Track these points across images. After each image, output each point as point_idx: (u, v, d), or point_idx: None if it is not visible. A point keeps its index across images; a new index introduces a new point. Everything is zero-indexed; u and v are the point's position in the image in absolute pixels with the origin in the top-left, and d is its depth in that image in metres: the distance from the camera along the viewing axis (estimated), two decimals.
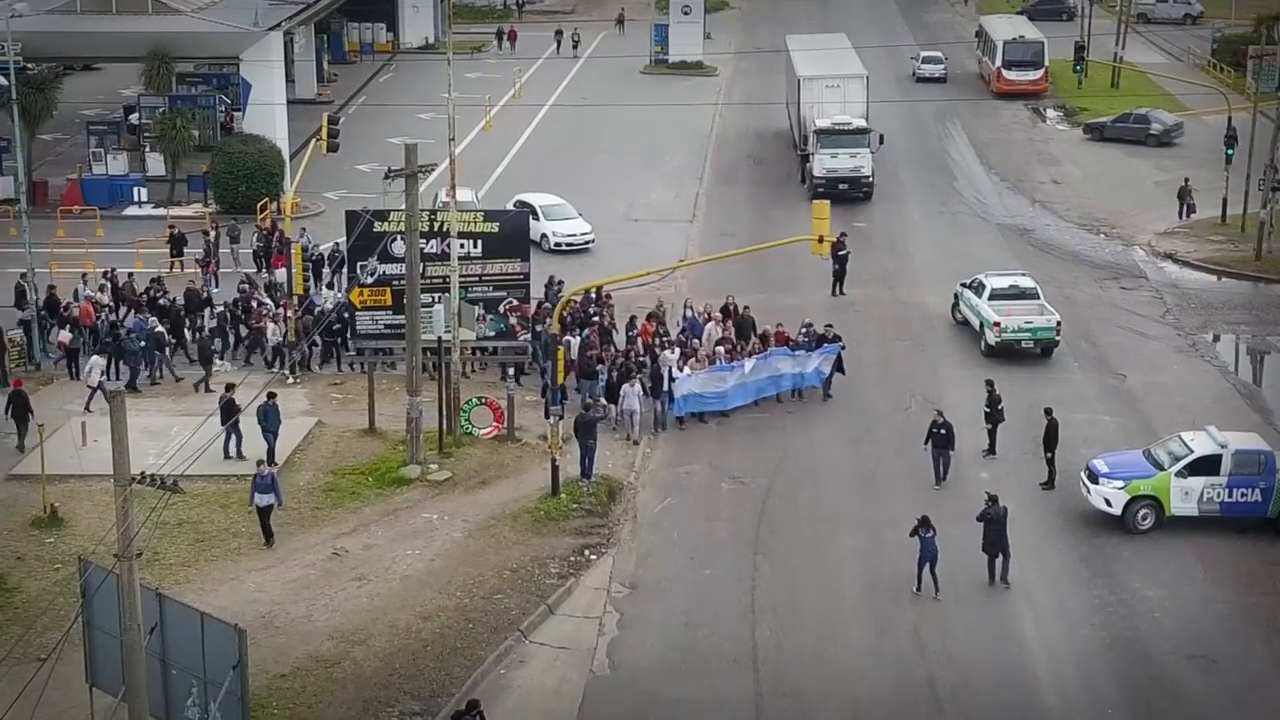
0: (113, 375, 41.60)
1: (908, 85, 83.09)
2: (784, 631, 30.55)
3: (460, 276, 38.65)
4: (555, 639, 30.28)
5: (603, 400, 39.20)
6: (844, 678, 28.93)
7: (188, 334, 43.90)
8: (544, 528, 34.40)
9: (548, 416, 37.49)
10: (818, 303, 48.66)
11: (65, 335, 42.80)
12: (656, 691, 28.52)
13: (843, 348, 41.72)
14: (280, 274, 47.49)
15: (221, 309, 44.17)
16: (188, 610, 24.09)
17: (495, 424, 39.07)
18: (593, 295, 44.30)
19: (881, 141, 61.02)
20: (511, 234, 39.55)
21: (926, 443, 36.55)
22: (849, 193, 58.89)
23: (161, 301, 44.57)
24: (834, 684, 28.71)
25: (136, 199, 58.95)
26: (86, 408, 39.67)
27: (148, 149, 61.85)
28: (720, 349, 40.75)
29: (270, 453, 36.33)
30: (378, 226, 38.26)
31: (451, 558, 32.96)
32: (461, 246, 38.64)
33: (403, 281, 37.31)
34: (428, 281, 38.11)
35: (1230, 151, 58.19)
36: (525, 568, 32.61)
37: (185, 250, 50.76)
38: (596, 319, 42.88)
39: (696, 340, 42.01)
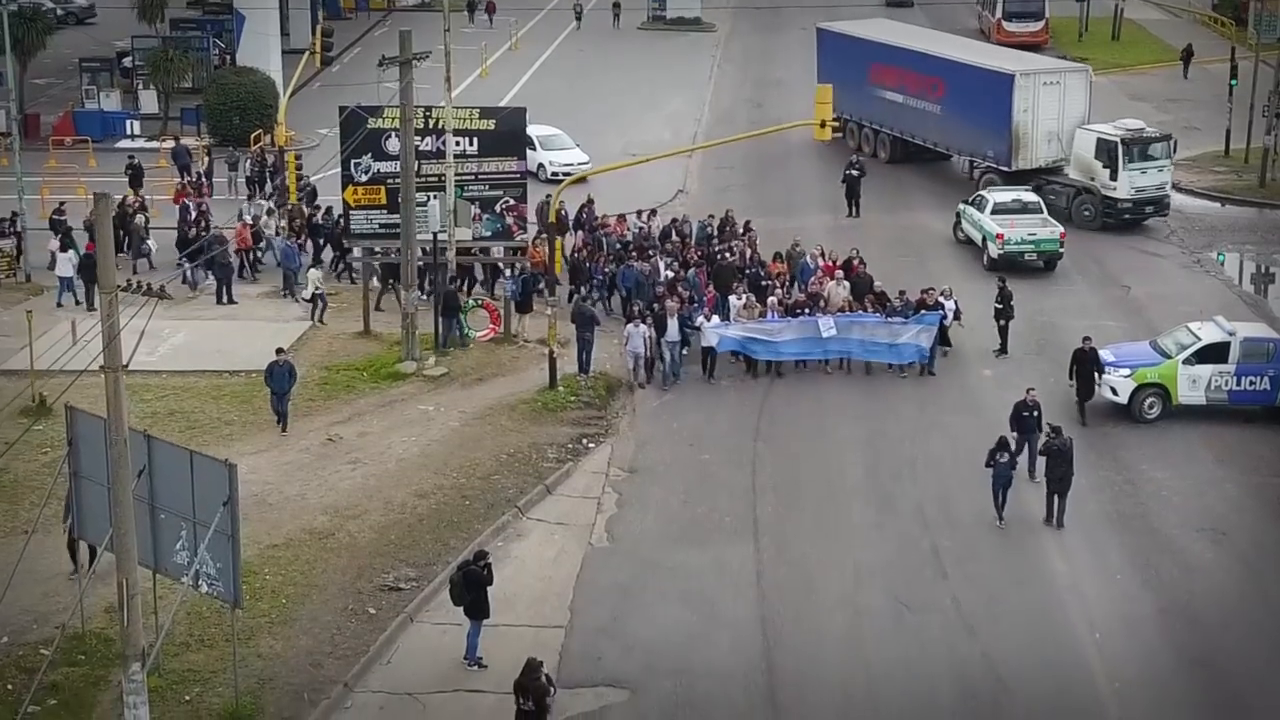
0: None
1: None
2: (785, 508, 30.07)
3: (456, 175, 38.04)
4: (553, 516, 29.79)
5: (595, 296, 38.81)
6: (847, 548, 28.41)
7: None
8: (542, 418, 33.91)
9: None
10: (819, 225, 48.23)
11: (57, 247, 42.13)
12: (656, 560, 28.01)
13: (944, 317, 37.07)
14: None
15: None
16: (176, 449, 23.46)
17: (492, 326, 38.56)
18: (727, 228, 42.36)
19: (1175, 149, 50.62)
20: (508, 132, 38.82)
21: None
22: (1151, 215, 48.66)
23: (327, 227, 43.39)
24: (836, 553, 28.20)
25: (129, 132, 58.35)
26: (314, 318, 39.13)
27: (141, 87, 61.34)
28: (773, 299, 37.10)
29: (280, 416, 33.08)
30: (371, 123, 37.61)
31: (448, 444, 32.43)
32: (457, 144, 38.03)
33: (398, 179, 36.70)
34: (423, 180, 37.45)
35: (1234, 83, 57.75)
36: (523, 452, 32.11)
37: (143, 183, 49.64)
38: (727, 254, 40.04)
39: (802, 287, 39.02)
